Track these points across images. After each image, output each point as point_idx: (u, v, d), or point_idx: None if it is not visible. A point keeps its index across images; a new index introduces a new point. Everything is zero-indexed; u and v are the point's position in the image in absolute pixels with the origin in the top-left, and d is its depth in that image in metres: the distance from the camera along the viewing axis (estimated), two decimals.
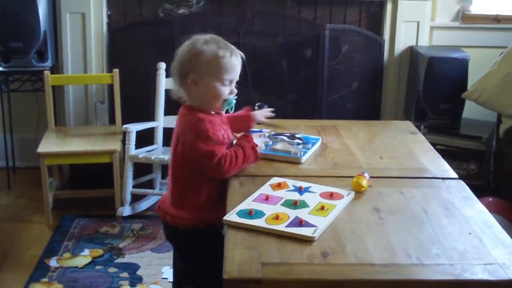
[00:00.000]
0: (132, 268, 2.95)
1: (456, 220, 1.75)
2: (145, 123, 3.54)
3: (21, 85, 3.85)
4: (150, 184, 3.67)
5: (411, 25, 3.84)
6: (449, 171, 2.13)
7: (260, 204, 1.80)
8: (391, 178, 2.05)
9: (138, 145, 3.49)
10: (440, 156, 2.29)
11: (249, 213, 1.73)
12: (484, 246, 1.60)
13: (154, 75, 3.55)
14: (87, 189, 3.69)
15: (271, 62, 3.88)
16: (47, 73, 3.52)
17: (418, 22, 3.83)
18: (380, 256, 1.54)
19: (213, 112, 2.04)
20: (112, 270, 2.93)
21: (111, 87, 3.68)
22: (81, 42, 3.83)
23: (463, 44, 3.86)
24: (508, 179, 3.39)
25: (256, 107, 2.62)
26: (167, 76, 3.49)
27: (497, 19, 3.93)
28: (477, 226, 1.71)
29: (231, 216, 1.72)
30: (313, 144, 2.27)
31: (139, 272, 2.90)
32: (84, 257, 3.04)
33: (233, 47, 2.03)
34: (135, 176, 3.54)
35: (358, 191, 1.92)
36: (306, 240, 1.60)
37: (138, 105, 3.83)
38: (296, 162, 2.14)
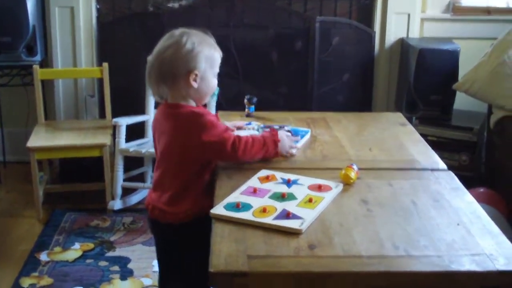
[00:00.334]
0: (123, 261, 2.94)
1: (445, 211, 1.74)
2: (135, 117, 3.52)
3: (10, 80, 3.83)
4: (141, 178, 3.66)
5: (401, 17, 3.83)
6: (438, 162, 2.13)
7: (247, 197, 1.79)
8: (380, 170, 2.05)
9: (129, 139, 3.47)
10: (430, 148, 2.29)
11: (236, 206, 1.72)
12: (472, 236, 1.60)
13: (144, 68, 3.50)
14: (78, 183, 3.68)
15: (262, 55, 3.86)
16: (36, 67, 3.50)
17: (409, 14, 3.83)
18: (367, 248, 1.54)
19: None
20: (103, 263, 2.92)
21: (101, 81, 3.66)
22: (70, 36, 3.81)
23: (454, 35, 3.85)
24: (499, 170, 3.39)
25: (246, 100, 2.62)
26: None
27: (488, 10, 3.92)
28: (466, 217, 1.71)
29: (218, 209, 1.71)
30: (302, 136, 2.26)
31: (130, 266, 2.90)
32: (75, 251, 3.03)
33: None
34: (126, 170, 3.53)
35: (347, 183, 1.91)
36: (293, 233, 1.59)
37: (128, 98, 3.81)
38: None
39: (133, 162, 3.60)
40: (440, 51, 3.56)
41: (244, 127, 2.34)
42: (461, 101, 3.69)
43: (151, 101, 3.53)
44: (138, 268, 2.87)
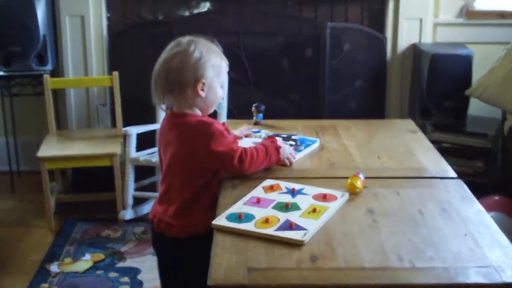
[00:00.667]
0: (133, 272, 2.92)
1: (453, 221, 1.70)
2: (145, 126, 3.51)
3: (22, 89, 3.84)
4: (152, 187, 3.64)
5: (413, 22, 3.79)
6: (448, 170, 2.08)
7: (250, 208, 1.76)
8: (388, 179, 2.01)
9: (140, 148, 3.46)
10: (440, 155, 2.24)
11: (239, 217, 1.69)
12: (480, 247, 1.55)
13: None
14: (90, 192, 3.67)
15: (272, 62, 3.84)
16: (46, 77, 3.51)
17: (421, 19, 3.78)
18: (371, 259, 1.50)
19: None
20: (112, 274, 2.91)
21: (112, 89, 3.66)
22: (81, 45, 3.82)
23: (467, 40, 3.80)
24: None
25: (253, 108, 2.59)
26: None
27: (502, 15, 3.86)
28: (474, 227, 1.66)
29: (220, 220, 1.69)
30: (307, 146, 2.23)
31: (139, 277, 2.88)
32: (85, 261, 3.02)
33: None
34: (137, 179, 3.52)
35: (353, 193, 1.87)
36: (295, 244, 1.56)
37: (140, 107, 3.80)
38: (283, 164, 2.08)
39: (144, 171, 3.59)
40: (453, 56, 3.51)
41: (252, 134, 2.31)
42: (476, 107, 3.63)
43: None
44: (147, 279, 2.85)
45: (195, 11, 3.84)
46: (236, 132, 2.27)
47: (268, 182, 1.93)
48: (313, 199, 1.82)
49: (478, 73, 3.47)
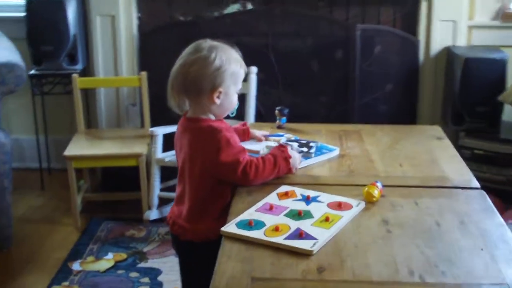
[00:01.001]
0: (153, 273, 2.92)
1: (470, 234, 1.64)
2: (172, 126, 3.47)
3: (52, 88, 3.88)
4: None
5: (447, 25, 3.69)
6: (471, 180, 2.01)
7: (262, 215, 1.72)
8: (408, 188, 1.95)
9: (167, 149, 3.46)
10: (465, 164, 2.17)
11: (249, 224, 1.66)
12: (495, 263, 1.49)
13: None
14: (118, 191, 3.68)
15: (302, 64, 3.79)
16: (75, 76, 3.53)
17: (455, 21, 3.68)
18: (380, 272, 1.45)
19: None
20: (133, 275, 2.91)
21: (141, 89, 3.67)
22: (112, 45, 3.83)
23: (503, 43, 3.69)
24: None
25: (277, 111, 2.56)
26: None
27: None
28: (492, 241, 1.60)
29: (230, 227, 1.66)
30: (321, 153, 2.17)
31: (160, 278, 2.87)
32: (107, 261, 3.02)
33: None
34: (164, 180, 3.51)
35: (369, 202, 1.82)
36: (304, 254, 1.52)
37: (168, 107, 3.78)
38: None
39: (170, 172, 3.58)
40: (487, 60, 3.41)
41: (269, 138, 2.27)
42: (511, 113, 3.52)
43: None
44: (168, 281, 2.84)
45: (225, 11, 3.82)
46: (258, 133, 2.23)
47: (283, 189, 1.90)
48: (327, 207, 1.77)
49: None
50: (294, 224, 1.66)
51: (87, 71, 3.91)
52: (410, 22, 3.78)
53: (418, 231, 1.65)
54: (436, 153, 2.26)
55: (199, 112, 1.95)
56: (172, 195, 3.48)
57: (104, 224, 3.43)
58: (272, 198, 1.84)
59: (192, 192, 1.95)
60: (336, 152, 2.22)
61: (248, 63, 3.48)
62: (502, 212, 3.08)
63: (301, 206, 1.78)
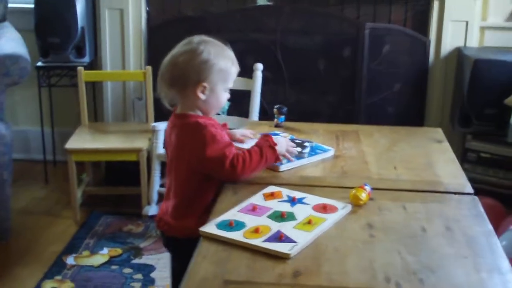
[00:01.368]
0: (147, 269, 2.90)
1: (455, 242, 1.59)
2: None
3: (58, 80, 3.87)
4: None
5: (459, 25, 3.61)
6: (465, 185, 1.95)
7: (244, 215, 1.69)
8: (398, 191, 1.90)
9: None
10: (461, 169, 2.11)
11: (229, 225, 1.63)
12: (477, 272, 1.44)
13: None
14: (120, 186, 3.67)
15: (308, 62, 3.73)
16: (80, 69, 3.52)
17: (467, 22, 3.60)
18: (356, 278, 1.41)
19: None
20: (127, 270, 2.89)
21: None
22: (120, 39, 3.82)
23: None
24: None
25: (275, 110, 2.52)
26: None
27: None
28: (477, 250, 1.55)
29: (209, 227, 1.62)
30: (315, 154, 2.12)
31: (153, 274, 2.85)
32: (102, 256, 3.01)
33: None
34: (164, 175, 3.48)
35: (356, 205, 1.78)
36: (281, 257, 1.48)
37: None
38: (274, 170, 2.00)
39: None
40: (497, 62, 3.32)
41: (249, 135, 2.21)
42: None
43: None
44: (160, 277, 2.82)
45: (234, 7, 3.78)
46: (237, 134, 2.18)
47: (270, 189, 1.86)
48: (312, 210, 1.73)
49: None
50: (275, 226, 1.62)
51: (94, 64, 3.90)
52: (421, 21, 3.71)
53: (402, 236, 1.61)
54: (434, 156, 2.21)
55: (186, 108, 1.93)
56: None
57: (103, 218, 3.42)
58: (257, 198, 1.80)
59: (178, 189, 1.94)
60: (331, 152, 2.18)
61: (255, 60, 3.49)
62: (505, 216, 3.01)
63: (286, 207, 1.74)
